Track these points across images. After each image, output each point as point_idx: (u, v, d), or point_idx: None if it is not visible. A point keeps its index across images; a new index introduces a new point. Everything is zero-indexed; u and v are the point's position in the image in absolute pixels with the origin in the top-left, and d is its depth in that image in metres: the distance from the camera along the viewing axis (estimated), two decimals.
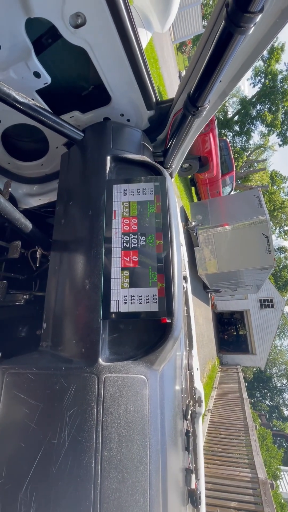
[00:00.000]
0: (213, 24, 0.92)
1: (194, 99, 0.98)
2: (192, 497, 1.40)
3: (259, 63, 22.48)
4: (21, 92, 1.03)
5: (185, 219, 10.05)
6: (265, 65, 21.42)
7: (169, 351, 0.97)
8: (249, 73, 22.70)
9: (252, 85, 22.92)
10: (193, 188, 14.31)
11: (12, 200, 1.92)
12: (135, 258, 1.00)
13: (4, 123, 1.50)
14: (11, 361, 0.95)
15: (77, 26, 1.02)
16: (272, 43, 0.97)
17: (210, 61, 0.84)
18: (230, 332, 27.70)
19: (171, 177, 1.61)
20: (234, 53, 0.80)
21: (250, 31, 0.70)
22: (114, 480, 0.76)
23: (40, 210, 1.92)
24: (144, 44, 1.17)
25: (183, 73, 16.97)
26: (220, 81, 1.09)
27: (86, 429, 0.79)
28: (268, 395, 33.54)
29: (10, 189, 1.44)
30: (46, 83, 1.23)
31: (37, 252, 1.42)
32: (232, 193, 14.18)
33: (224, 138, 15.18)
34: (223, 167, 12.33)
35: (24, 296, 1.54)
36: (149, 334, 0.97)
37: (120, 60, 1.11)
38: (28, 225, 1.23)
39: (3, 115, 1.44)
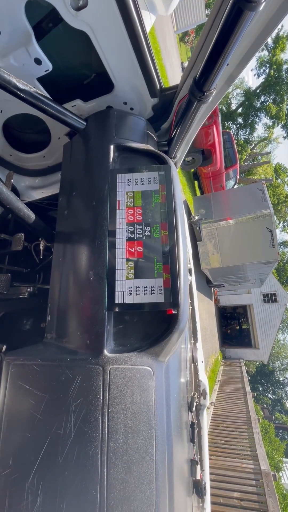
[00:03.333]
0: (221, 1, 0.88)
1: (200, 83, 0.94)
2: (197, 488, 1.40)
3: (263, 53, 21.97)
4: (22, 80, 1.01)
5: (188, 213, 9.98)
6: (270, 54, 20.92)
7: (175, 343, 0.96)
8: (254, 63, 22.22)
9: (256, 75, 22.44)
10: (196, 182, 14.17)
11: (15, 192, 1.90)
12: (140, 249, 0.98)
13: (5, 113, 1.48)
14: (16, 353, 0.95)
15: (78, 8, 0.98)
16: (276, 30, 0.92)
17: (218, 42, 0.80)
18: (233, 326, 27.78)
19: (176, 167, 1.58)
20: (243, 32, 0.76)
21: (261, 7, 0.66)
22: (120, 471, 0.75)
23: (42, 203, 1.90)
24: (148, 28, 1.13)
25: (186, 64, 16.65)
26: (228, 64, 1.04)
27: (92, 420, 0.78)
28: (270, 388, 33.71)
29: (12, 180, 1.42)
30: (47, 70, 1.20)
31: (41, 244, 1.41)
32: (235, 186, 14.01)
33: (228, 130, 14.95)
34: (227, 160, 12.15)
35: (28, 289, 1.53)
36: (154, 325, 0.96)
37: (123, 44, 1.07)
38: (31, 215, 1.22)
39: (4, 105, 1.41)
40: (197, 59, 1.07)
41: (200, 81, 0.94)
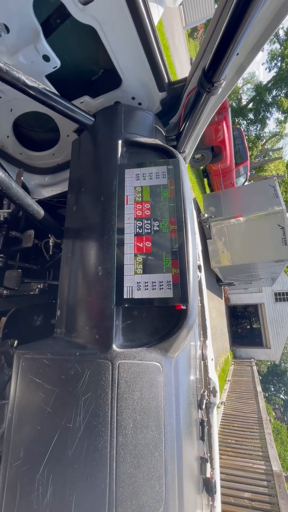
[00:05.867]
0: None
1: (209, 74, 0.92)
2: (207, 486, 1.39)
3: (275, 46, 21.44)
4: (30, 77, 1.01)
5: (197, 211, 9.88)
6: (282, 47, 20.38)
7: (184, 339, 0.95)
8: (265, 57, 21.73)
9: (267, 69, 21.92)
10: (205, 180, 14.01)
11: (25, 190, 1.93)
12: (148, 244, 0.97)
13: (15, 111, 1.50)
14: (26, 347, 0.96)
15: (85, 3, 0.98)
16: None
17: (227, 30, 0.78)
18: (244, 325, 27.39)
19: (185, 163, 1.56)
20: (254, 19, 0.74)
21: None
22: (129, 465, 0.75)
23: (52, 200, 1.92)
24: (155, 20, 1.11)
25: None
26: (238, 53, 1.02)
27: (101, 414, 0.78)
28: (282, 389, 33.09)
29: (22, 178, 1.44)
30: (56, 67, 1.20)
31: (50, 241, 1.42)
32: (246, 183, 13.76)
33: (238, 126, 14.67)
34: (237, 157, 11.94)
35: (39, 285, 1.56)
36: (163, 321, 0.95)
37: (130, 38, 1.06)
38: (40, 211, 1.23)
39: (13, 103, 1.43)
40: (206, 50, 1.05)
41: (210, 72, 0.92)
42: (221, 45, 0.82)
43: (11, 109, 1.47)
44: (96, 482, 0.74)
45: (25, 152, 1.78)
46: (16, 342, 1.45)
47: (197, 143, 1.53)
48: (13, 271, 1.42)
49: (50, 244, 1.44)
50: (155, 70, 1.18)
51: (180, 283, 0.91)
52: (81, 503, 0.73)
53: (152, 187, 1.05)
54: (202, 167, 12.83)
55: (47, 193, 1.99)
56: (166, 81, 1.25)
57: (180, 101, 1.34)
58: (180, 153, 1.45)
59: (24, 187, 1.90)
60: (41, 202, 1.89)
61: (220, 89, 0.98)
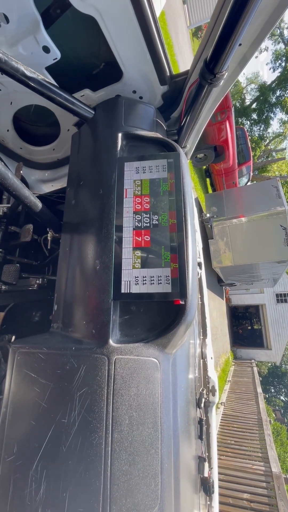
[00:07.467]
0: None
1: (211, 65, 0.90)
2: (205, 485, 1.37)
3: (279, 46, 21.36)
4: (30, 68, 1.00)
5: (199, 211, 9.84)
6: (286, 47, 20.30)
7: (182, 335, 0.93)
8: (269, 57, 21.57)
9: (271, 69, 21.82)
10: (208, 179, 13.97)
11: (25, 185, 1.92)
12: (147, 238, 0.96)
13: (15, 104, 1.48)
14: (21, 341, 0.95)
15: None
16: None
17: (229, 19, 0.76)
18: (245, 326, 27.33)
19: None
20: (256, 7, 0.72)
21: None
22: (124, 462, 0.74)
23: (52, 196, 1.91)
24: (158, 11, 1.09)
25: None
26: (240, 44, 1.00)
27: (96, 410, 0.77)
28: (283, 390, 32.96)
29: (21, 172, 1.43)
30: (56, 58, 1.19)
31: (49, 235, 1.41)
32: (249, 184, 13.69)
33: (241, 126, 14.58)
34: (240, 157, 11.89)
35: (37, 281, 1.54)
36: (161, 316, 0.94)
37: (132, 29, 1.05)
38: (37, 203, 1.22)
39: (13, 96, 1.41)
40: (208, 40, 1.03)
41: (211, 63, 0.90)
42: (223, 34, 0.80)
43: (11, 102, 1.46)
44: (90, 479, 0.72)
45: (25, 146, 1.77)
46: (13, 337, 1.44)
47: (198, 138, 1.52)
48: (11, 266, 1.40)
49: (49, 238, 1.42)
50: (157, 62, 1.16)
51: (179, 278, 0.90)
52: (75, 500, 0.71)
53: (151, 180, 1.03)
54: (204, 167, 12.78)
55: (47, 188, 1.98)
56: (168, 74, 1.23)
57: (181, 95, 1.32)
58: (181, 147, 1.43)
59: (24, 182, 1.89)
60: (41, 198, 1.88)
61: (222, 80, 0.96)
